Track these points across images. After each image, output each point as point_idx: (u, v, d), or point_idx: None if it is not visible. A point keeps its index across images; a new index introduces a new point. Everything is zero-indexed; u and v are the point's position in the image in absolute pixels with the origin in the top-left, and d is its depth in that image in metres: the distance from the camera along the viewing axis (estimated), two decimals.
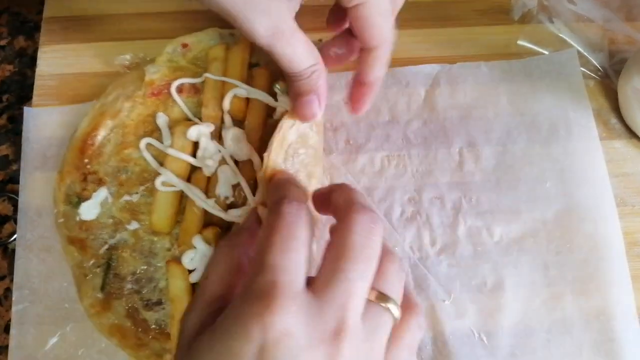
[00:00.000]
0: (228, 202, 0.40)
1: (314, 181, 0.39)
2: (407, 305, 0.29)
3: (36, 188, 0.43)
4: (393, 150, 0.45)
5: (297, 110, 0.37)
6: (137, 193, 0.41)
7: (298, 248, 0.27)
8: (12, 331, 0.39)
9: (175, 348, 0.29)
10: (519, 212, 0.44)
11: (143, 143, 0.41)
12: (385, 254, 0.29)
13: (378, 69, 0.37)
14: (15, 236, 0.42)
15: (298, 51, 0.34)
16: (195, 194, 0.39)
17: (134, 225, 0.40)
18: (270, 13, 0.32)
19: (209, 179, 0.40)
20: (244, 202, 0.39)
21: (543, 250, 0.43)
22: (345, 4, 0.33)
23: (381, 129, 0.46)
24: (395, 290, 0.28)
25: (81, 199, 0.41)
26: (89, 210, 0.40)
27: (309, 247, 0.27)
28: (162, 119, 0.42)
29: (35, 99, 0.46)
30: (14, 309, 0.40)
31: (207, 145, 0.40)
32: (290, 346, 0.24)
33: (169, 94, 0.43)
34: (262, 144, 0.40)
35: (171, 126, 0.42)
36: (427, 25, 0.44)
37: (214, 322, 0.27)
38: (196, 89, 0.43)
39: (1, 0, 0.52)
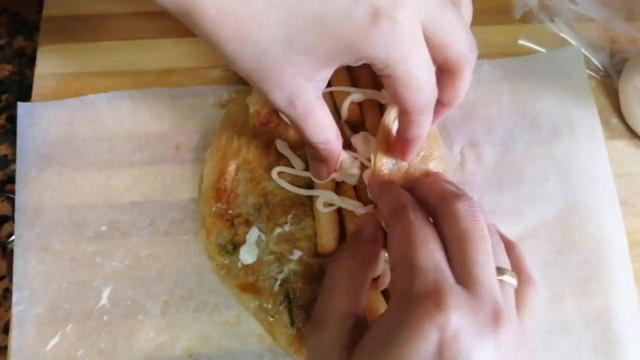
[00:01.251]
0: None
1: (433, 162, 0.39)
2: (523, 278, 0.32)
3: (33, 186, 0.43)
4: None
5: (310, 167, 0.38)
6: (286, 222, 0.40)
7: (436, 249, 0.29)
8: (14, 333, 0.39)
9: None
10: (521, 212, 0.43)
11: (274, 173, 0.41)
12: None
13: (415, 128, 0.34)
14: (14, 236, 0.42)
15: (311, 126, 0.33)
16: (354, 206, 0.39)
17: (297, 254, 0.40)
18: (283, 88, 0.31)
19: (354, 188, 0.40)
20: None
21: (544, 251, 0.42)
22: (376, 71, 0.31)
23: None
24: (505, 260, 0.31)
25: (236, 245, 0.40)
26: (248, 254, 0.40)
27: (441, 245, 0.29)
28: (283, 145, 0.42)
29: (34, 98, 0.46)
30: (14, 310, 0.40)
31: (343, 157, 0.40)
32: (464, 341, 0.26)
33: (279, 120, 0.42)
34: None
35: (293, 149, 0.42)
36: None
37: (354, 341, 0.29)
38: None
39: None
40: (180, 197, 0.43)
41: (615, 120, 0.48)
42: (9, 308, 0.40)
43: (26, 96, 0.46)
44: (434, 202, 0.31)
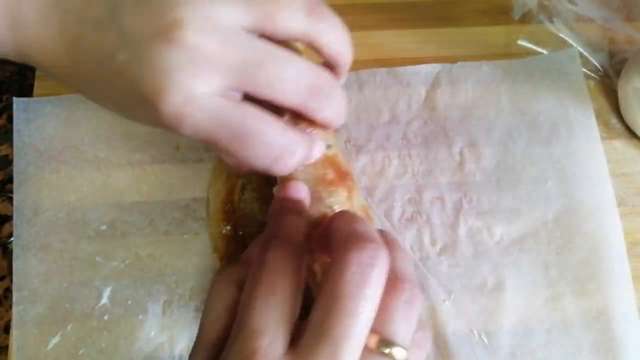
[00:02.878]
0: None
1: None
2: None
3: (31, 184, 0.43)
4: (393, 151, 0.45)
5: None
6: None
7: (277, 305, 0.24)
8: (14, 332, 0.39)
9: None
10: (520, 212, 0.44)
11: (276, 190, 0.40)
12: (393, 284, 0.25)
13: None
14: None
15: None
16: None
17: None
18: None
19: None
20: None
21: (543, 251, 0.43)
22: None
23: (382, 129, 0.46)
24: (401, 329, 0.24)
25: None
26: None
27: (294, 298, 0.25)
28: None
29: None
30: (14, 310, 0.40)
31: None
32: None
33: None
34: None
35: None
36: (427, 25, 0.44)
37: None
38: None
39: None
40: (180, 196, 0.44)
41: (614, 120, 0.48)
42: (9, 308, 0.40)
43: (27, 96, 0.46)
44: (336, 247, 0.25)
